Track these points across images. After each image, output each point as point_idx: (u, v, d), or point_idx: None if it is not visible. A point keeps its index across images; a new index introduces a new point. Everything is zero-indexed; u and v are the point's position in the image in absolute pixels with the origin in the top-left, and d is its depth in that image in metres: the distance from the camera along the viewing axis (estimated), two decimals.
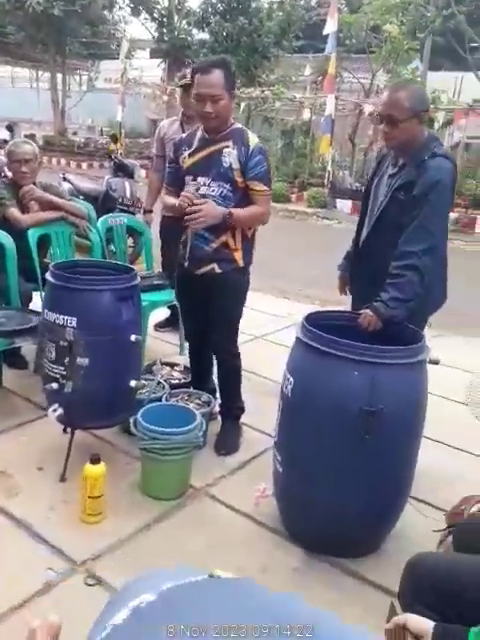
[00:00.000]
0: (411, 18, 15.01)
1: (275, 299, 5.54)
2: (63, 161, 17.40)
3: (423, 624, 1.18)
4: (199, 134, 2.66)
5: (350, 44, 16.43)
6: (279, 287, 5.89)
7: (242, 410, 2.98)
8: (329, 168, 12.67)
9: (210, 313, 2.77)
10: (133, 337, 2.47)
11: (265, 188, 2.62)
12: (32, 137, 19.76)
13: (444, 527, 2.07)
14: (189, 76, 3.75)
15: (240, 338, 2.91)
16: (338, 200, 12.35)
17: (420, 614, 1.33)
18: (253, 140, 2.61)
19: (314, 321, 2.25)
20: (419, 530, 2.33)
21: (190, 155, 2.64)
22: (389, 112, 2.27)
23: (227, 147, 2.57)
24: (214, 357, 2.92)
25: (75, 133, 22.19)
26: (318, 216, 11.56)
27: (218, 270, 2.65)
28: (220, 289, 2.67)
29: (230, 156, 2.56)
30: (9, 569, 1.99)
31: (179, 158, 2.68)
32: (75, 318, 2.35)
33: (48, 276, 2.47)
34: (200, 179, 2.58)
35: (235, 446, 2.87)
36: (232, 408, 2.94)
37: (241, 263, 2.69)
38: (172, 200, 2.69)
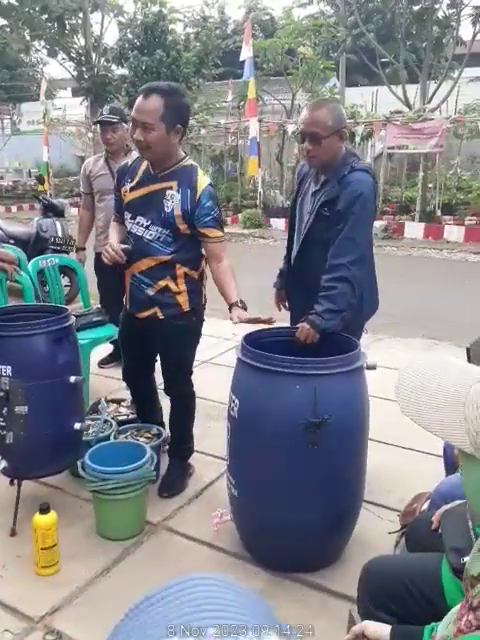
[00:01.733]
0: (323, 39, 15.61)
1: (218, 321, 5.54)
2: None
3: (380, 629, 1.20)
4: (144, 166, 2.46)
5: (268, 68, 16.89)
6: (221, 309, 5.90)
7: (190, 451, 2.86)
8: (260, 189, 12.91)
9: (153, 355, 2.71)
10: (72, 378, 2.42)
11: (220, 234, 2.42)
12: None
13: (399, 528, 2.12)
14: (106, 112, 3.79)
15: None
16: (272, 219, 12.58)
17: (378, 619, 1.34)
18: (202, 183, 2.38)
19: (254, 340, 2.29)
20: (377, 534, 2.37)
21: (131, 189, 2.45)
22: (311, 130, 2.30)
23: (170, 188, 2.37)
24: (168, 397, 2.79)
25: (2, 177, 21.76)
26: (254, 236, 11.74)
27: (160, 316, 2.50)
28: (166, 336, 2.54)
29: (173, 200, 2.35)
30: None
31: (121, 189, 2.50)
32: (9, 366, 2.28)
33: None
34: (139, 218, 2.42)
35: (180, 487, 2.73)
36: (180, 448, 2.82)
37: (186, 307, 2.51)
38: (111, 238, 2.56)
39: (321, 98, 2.66)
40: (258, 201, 12.98)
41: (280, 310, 2.85)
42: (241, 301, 2.39)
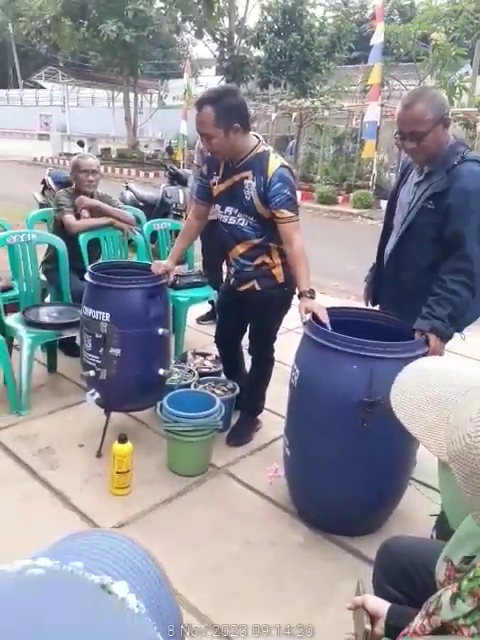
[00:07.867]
0: (459, 25, 14.29)
1: None
2: (133, 172, 17.74)
3: (379, 605, 1.15)
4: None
5: (398, 53, 15.85)
6: (317, 282, 5.76)
7: (260, 408, 2.87)
8: (374, 171, 12.34)
9: (246, 323, 2.75)
10: (160, 331, 2.51)
11: (291, 214, 2.31)
12: (107, 151, 20.33)
13: (440, 511, 2.00)
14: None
15: None
16: (382, 201, 12.00)
17: (389, 595, 1.29)
18: (273, 166, 2.31)
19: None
20: (421, 514, 2.26)
21: (218, 183, 2.47)
22: (412, 129, 2.01)
23: (247, 178, 2.36)
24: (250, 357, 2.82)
25: (146, 146, 22.59)
26: (363, 216, 11.26)
27: (257, 287, 2.54)
28: (258, 304, 2.58)
29: (250, 189, 2.35)
30: (41, 532, 2.06)
31: (210, 180, 2.52)
32: (108, 313, 2.41)
33: (86, 276, 2.54)
34: (228, 209, 2.45)
35: (246, 437, 2.78)
36: (251, 404, 2.85)
37: (280, 279, 2.52)
38: (176, 245, 2.68)
39: (415, 89, 2.25)
40: (371, 183, 12.42)
41: (367, 305, 2.64)
42: (311, 291, 2.26)
